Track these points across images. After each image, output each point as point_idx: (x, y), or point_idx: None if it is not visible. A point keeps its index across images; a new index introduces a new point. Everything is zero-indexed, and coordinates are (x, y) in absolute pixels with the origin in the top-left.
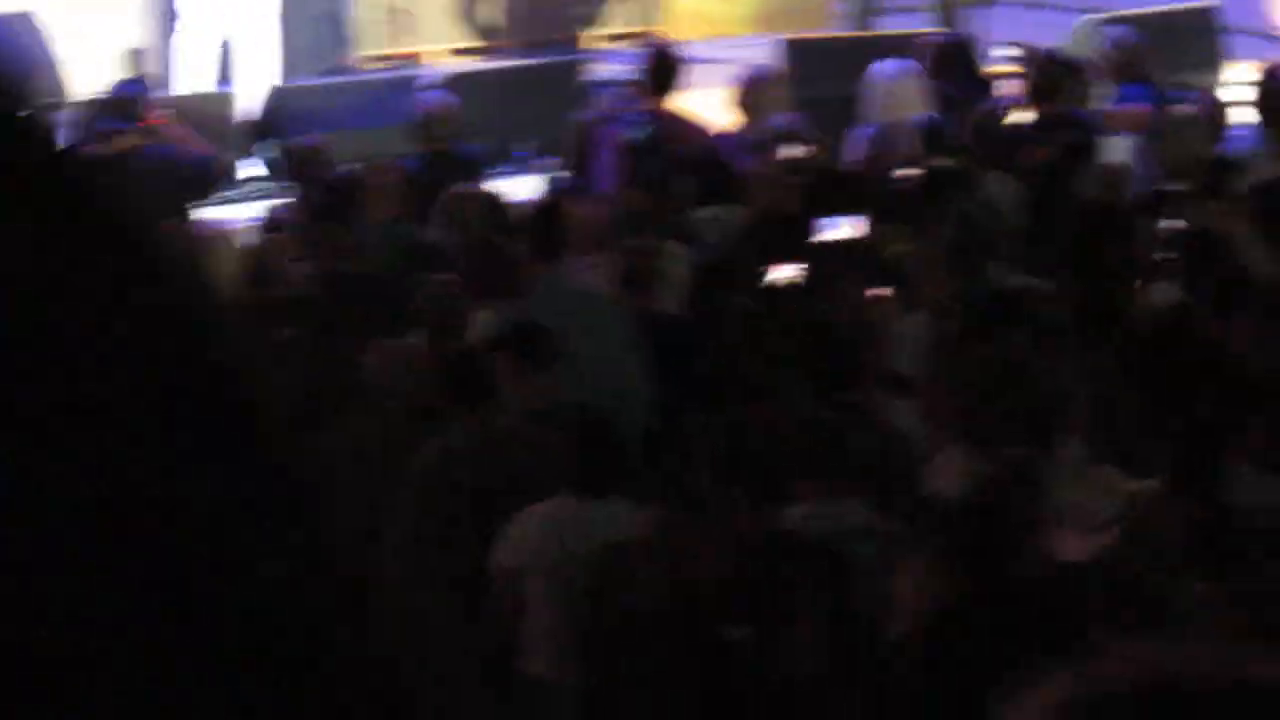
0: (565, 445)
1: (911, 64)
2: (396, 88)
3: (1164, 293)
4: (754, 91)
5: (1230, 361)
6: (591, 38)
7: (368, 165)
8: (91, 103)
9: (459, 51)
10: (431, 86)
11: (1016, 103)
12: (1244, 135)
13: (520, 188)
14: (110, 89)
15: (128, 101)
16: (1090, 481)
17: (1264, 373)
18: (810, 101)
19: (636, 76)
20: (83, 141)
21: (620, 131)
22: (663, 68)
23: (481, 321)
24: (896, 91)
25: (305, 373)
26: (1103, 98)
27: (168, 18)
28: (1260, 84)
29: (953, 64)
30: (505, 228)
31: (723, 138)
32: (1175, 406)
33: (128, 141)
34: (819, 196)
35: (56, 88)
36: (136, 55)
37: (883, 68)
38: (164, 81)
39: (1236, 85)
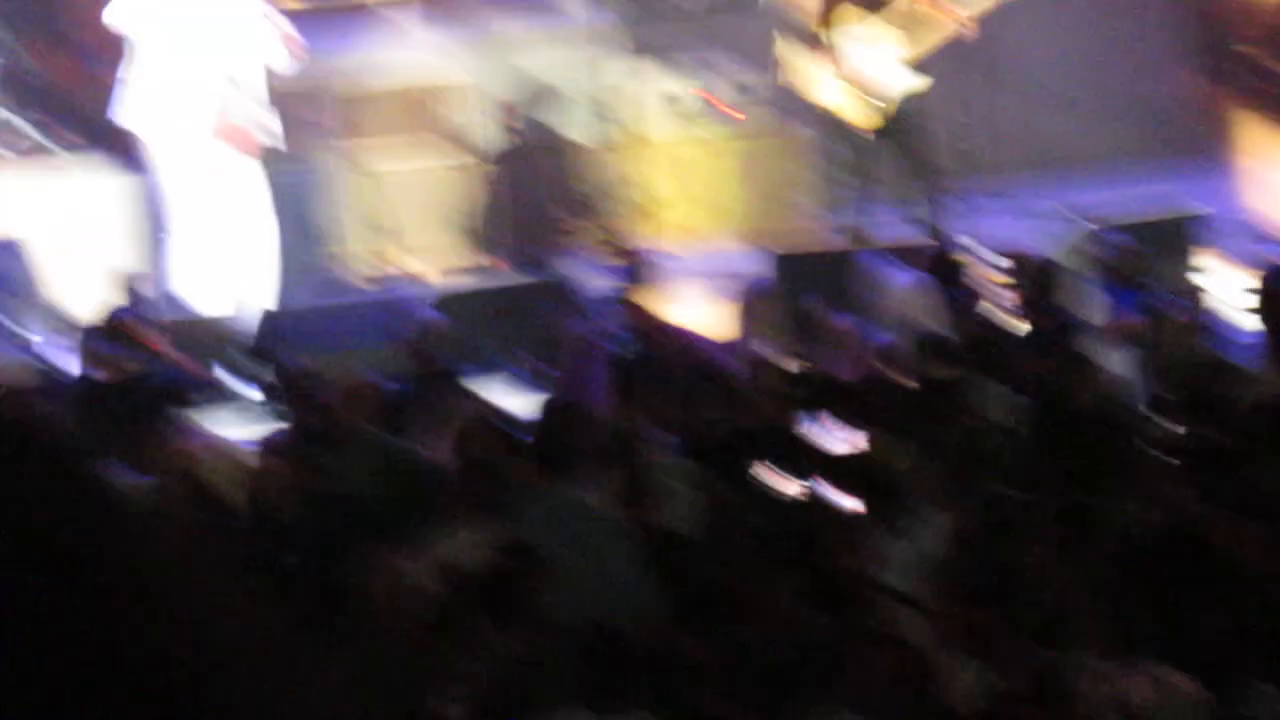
0: (577, 658)
1: (924, 275)
2: (388, 308)
3: (1170, 500)
4: (748, 304)
5: (1242, 568)
6: (580, 250)
7: (342, 380)
8: (87, 329)
9: (449, 271)
10: (421, 305)
11: (1013, 312)
12: (1240, 340)
13: (514, 403)
14: (105, 313)
15: (122, 326)
16: (1106, 685)
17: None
18: (798, 312)
19: (623, 288)
20: (81, 367)
21: (609, 344)
22: (648, 279)
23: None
24: (908, 302)
25: (305, 599)
26: (1098, 305)
27: (158, 236)
28: (1260, 290)
29: (949, 273)
30: (502, 446)
31: (713, 347)
32: (1189, 614)
33: (124, 365)
34: (816, 407)
35: (46, 314)
36: (129, 278)
37: (896, 277)
38: (157, 303)
39: (1229, 290)
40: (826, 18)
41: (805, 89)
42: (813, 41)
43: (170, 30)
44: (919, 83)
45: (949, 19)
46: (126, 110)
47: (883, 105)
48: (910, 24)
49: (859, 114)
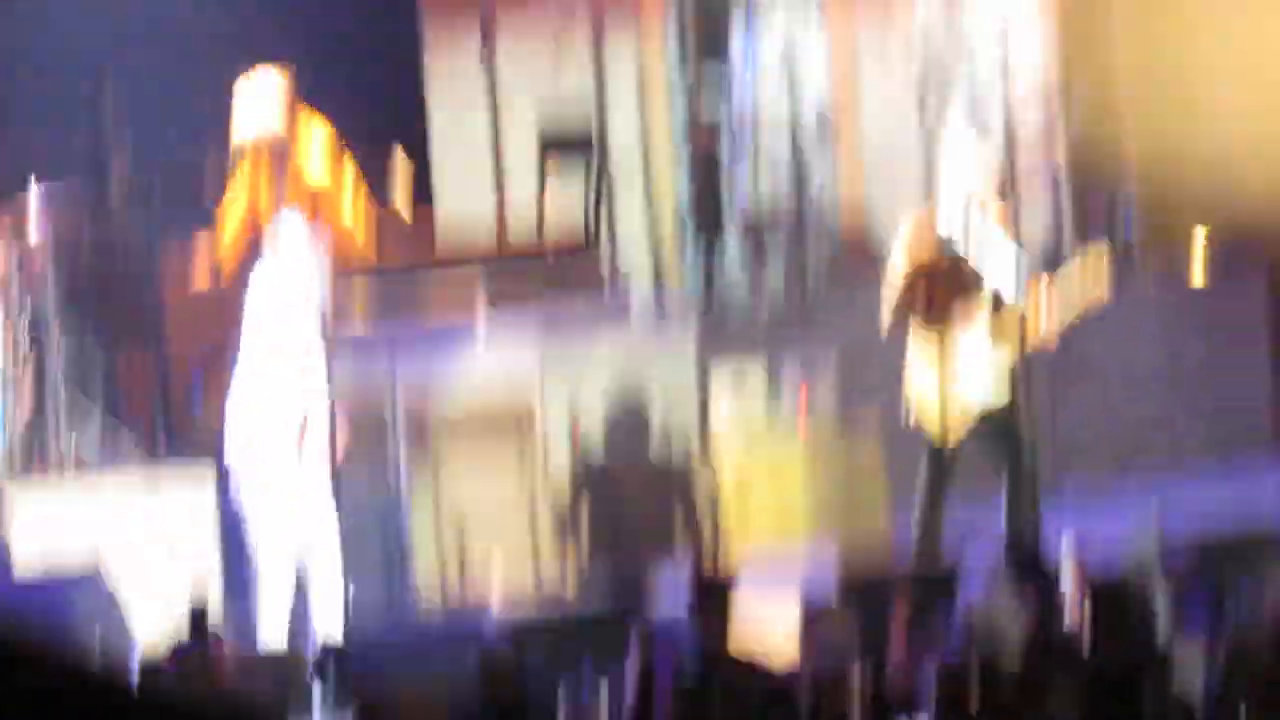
0: None
1: (1009, 591)
2: (462, 638)
3: None
4: (818, 622)
5: None
6: (656, 570)
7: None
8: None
9: (524, 600)
10: (490, 634)
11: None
12: None
13: None
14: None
15: (189, 659)
16: None
17: None
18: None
19: (692, 614)
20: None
21: (676, 669)
22: (718, 603)
23: None
24: (993, 623)
25: None
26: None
27: (234, 562)
28: None
29: (1028, 591)
30: None
31: (784, 669)
32: None
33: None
34: None
35: (126, 638)
36: (197, 609)
37: (981, 596)
38: (228, 633)
39: None
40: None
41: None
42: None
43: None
44: (1004, 397)
45: (1042, 333)
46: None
47: (982, 412)
48: (1002, 334)
49: (943, 425)
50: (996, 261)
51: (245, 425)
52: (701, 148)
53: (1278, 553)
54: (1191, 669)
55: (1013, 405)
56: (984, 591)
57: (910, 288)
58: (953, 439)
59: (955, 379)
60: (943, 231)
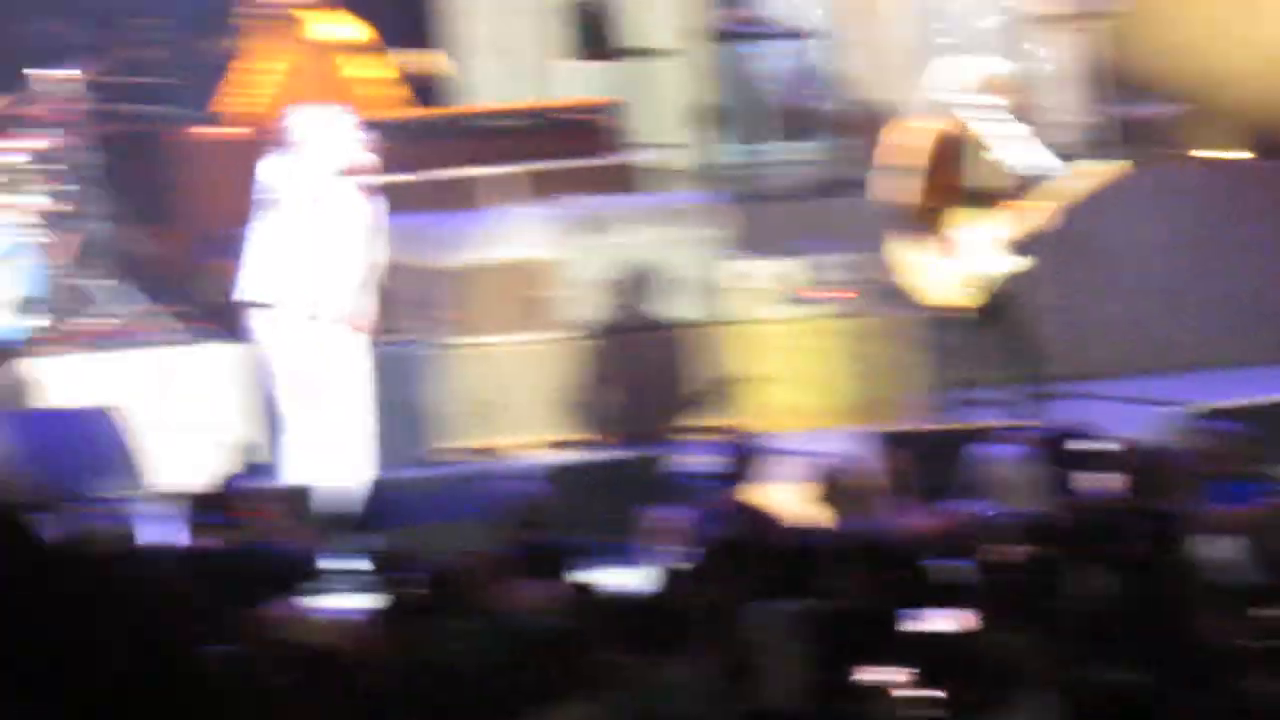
0: None
1: (1029, 450)
2: (482, 481)
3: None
4: (834, 484)
5: None
6: (682, 431)
7: (463, 555)
8: (198, 496)
9: (549, 445)
10: (522, 478)
11: (1120, 496)
12: None
13: (615, 580)
14: (217, 482)
15: (234, 495)
16: None
17: None
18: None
19: (720, 470)
20: (190, 535)
21: (703, 526)
22: (744, 461)
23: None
24: (1013, 477)
25: None
26: (1208, 494)
27: (269, 409)
28: None
29: (1054, 456)
30: (600, 620)
31: (808, 532)
32: None
33: (234, 535)
34: (912, 591)
35: (133, 481)
36: (241, 449)
37: (1000, 451)
38: (268, 474)
39: None
40: (930, 209)
41: (909, 273)
42: (917, 228)
43: (300, 206)
44: (1023, 263)
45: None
46: (247, 285)
47: (987, 287)
48: (1013, 212)
49: (963, 296)
50: (1007, 145)
51: (274, 285)
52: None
53: None
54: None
55: (1014, 287)
56: (1012, 459)
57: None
58: (975, 308)
59: (978, 248)
60: (948, 120)
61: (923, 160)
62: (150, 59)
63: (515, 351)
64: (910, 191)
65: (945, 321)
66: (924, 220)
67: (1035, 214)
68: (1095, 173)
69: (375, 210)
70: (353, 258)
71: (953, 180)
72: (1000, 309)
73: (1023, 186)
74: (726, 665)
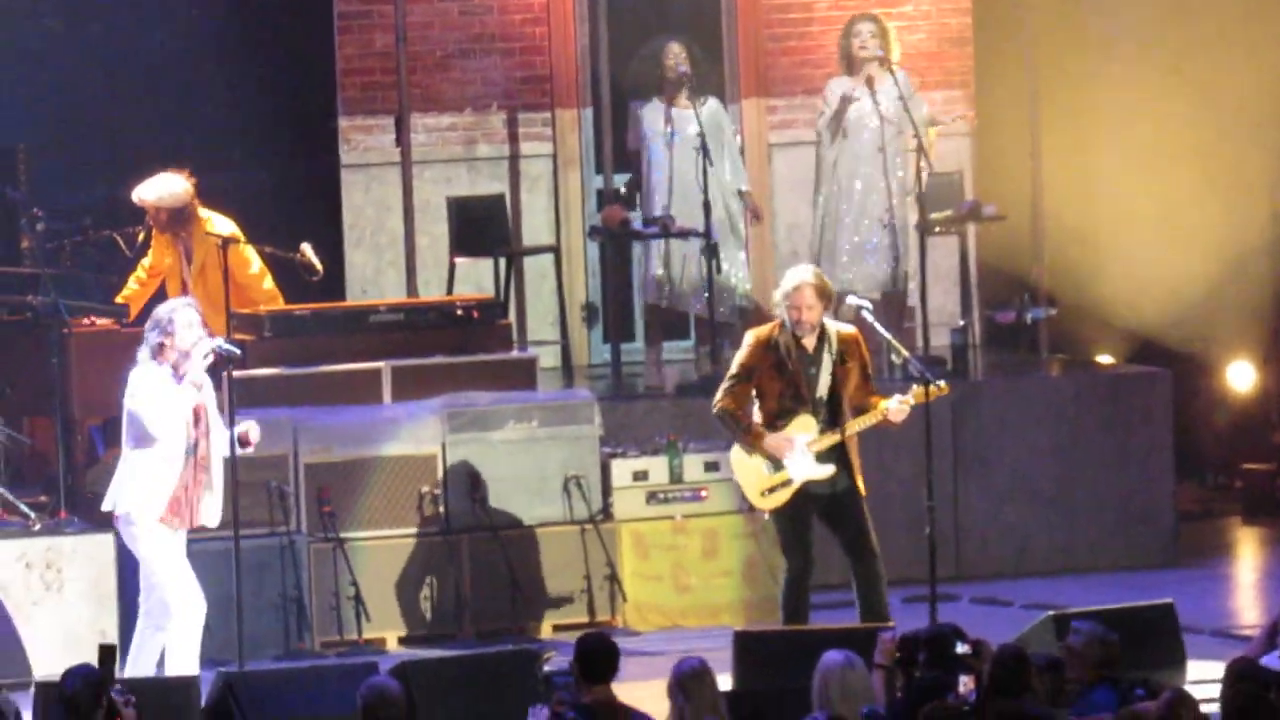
0: None
1: (856, 656)
2: (351, 674)
3: None
4: (676, 683)
5: None
6: (551, 627)
7: None
8: (48, 688)
9: (414, 639)
10: (375, 673)
11: (974, 699)
12: None
13: None
14: (65, 677)
15: (81, 694)
16: None
17: None
18: (753, 694)
19: (573, 667)
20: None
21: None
22: (587, 657)
23: None
24: (844, 681)
25: None
26: (1067, 698)
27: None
28: (1224, 679)
29: (911, 657)
30: None
31: None
32: None
33: None
34: None
35: (20, 668)
36: (107, 651)
37: (832, 658)
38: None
39: (1197, 684)
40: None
41: (738, 475)
42: (736, 431)
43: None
44: (828, 470)
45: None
46: (117, 494)
47: (799, 488)
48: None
49: (770, 500)
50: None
51: (148, 482)
52: (613, 237)
53: (1159, 631)
54: None
55: (850, 486)
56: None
57: (746, 387)
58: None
59: (788, 459)
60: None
61: (740, 364)
62: (52, 247)
63: (394, 545)
64: (730, 393)
65: (781, 525)
66: (742, 424)
67: (880, 416)
68: (934, 392)
69: (229, 406)
70: (215, 455)
71: (774, 385)
72: (833, 508)
73: (861, 388)
74: None
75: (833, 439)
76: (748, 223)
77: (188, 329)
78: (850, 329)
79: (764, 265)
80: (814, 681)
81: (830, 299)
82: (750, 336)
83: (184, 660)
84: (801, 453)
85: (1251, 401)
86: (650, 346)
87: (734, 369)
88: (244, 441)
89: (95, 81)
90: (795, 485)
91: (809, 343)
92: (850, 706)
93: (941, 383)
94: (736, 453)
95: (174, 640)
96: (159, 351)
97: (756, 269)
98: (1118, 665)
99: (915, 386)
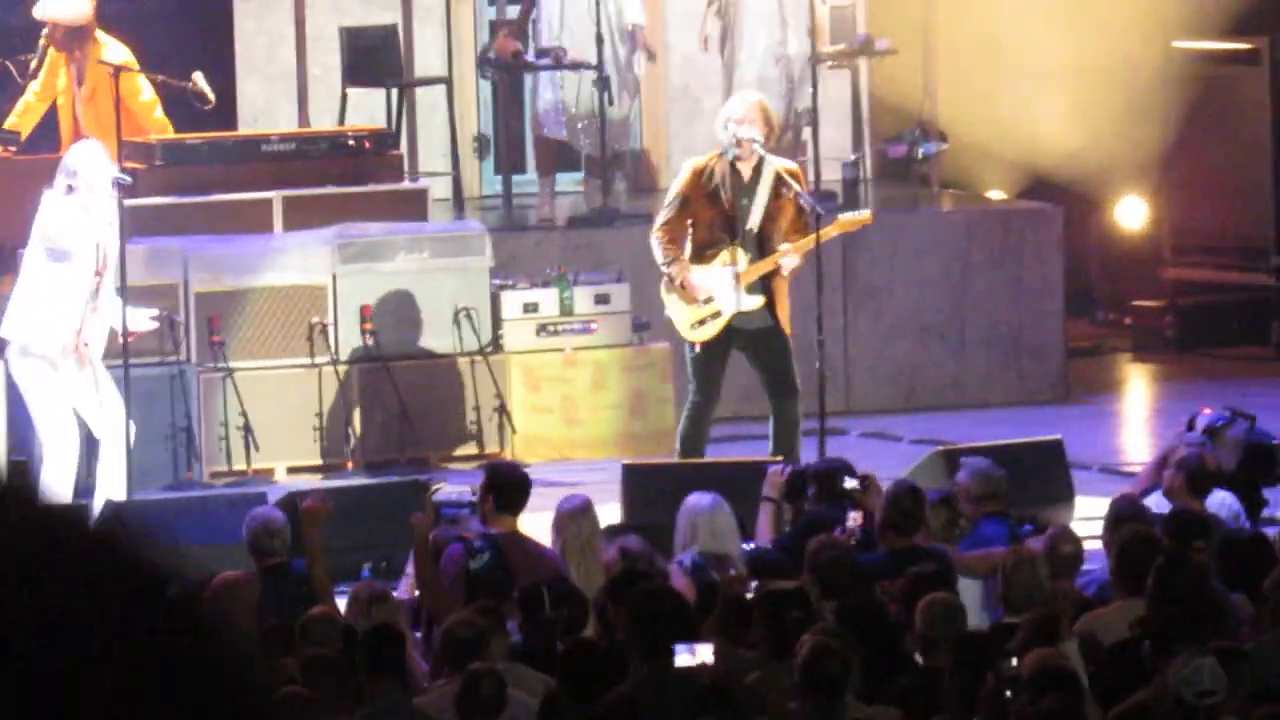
0: None
1: (720, 498)
2: (239, 504)
3: None
4: (563, 520)
5: None
6: (439, 459)
7: (218, 577)
8: None
9: (303, 469)
10: (263, 503)
11: (861, 533)
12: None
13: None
14: None
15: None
16: None
17: None
18: (644, 527)
19: (478, 498)
20: None
21: (460, 556)
22: (504, 488)
23: None
24: (713, 524)
25: None
26: (960, 532)
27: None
28: (1106, 519)
29: (800, 491)
30: (349, 644)
31: (555, 559)
32: None
33: None
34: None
35: None
36: (19, 465)
37: (698, 501)
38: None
39: (1085, 520)
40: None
41: (667, 306)
42: (668, 259)
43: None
44: (757, 301)
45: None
46: (9, 321)
47: (725, 323)
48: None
49: (701, 331)
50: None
51: (32, 306)
52: (505, 68)
53: (1047, 466)
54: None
55: (774, 324)
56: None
57: (682, 216)
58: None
59: (717, 294)
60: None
61: (676, 194)
62: None
63: (283, 375)
64: (665, 223)
65: (696, 356)
66: (675, 252)
67: (799, 254)
68: (859, 219)
69: (120, 232)
70: (104, 282)
71: (706, 214)
72: (752, 340)
73: (794, 224)
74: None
75: (762, 269)
76: (638, 61)
77: (90, 163)
78: (791, 164)
79: (657, 103)
80: (679, 522)
81: (773, 129)
82: (687, 165)
83: (60, 493)
84: (731, 285)
85: (1141, 238)
86: (542, 178)
87: (669, 198)
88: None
89: None
90: (725, 318)
91: (745, 173)
92: (719, 548)
93: (866, 211)
94: (666, 284)
95: (47, 474)
96: (68, 192)
97: (650, 106)
98: (1004, 501)
99: (843, 215)
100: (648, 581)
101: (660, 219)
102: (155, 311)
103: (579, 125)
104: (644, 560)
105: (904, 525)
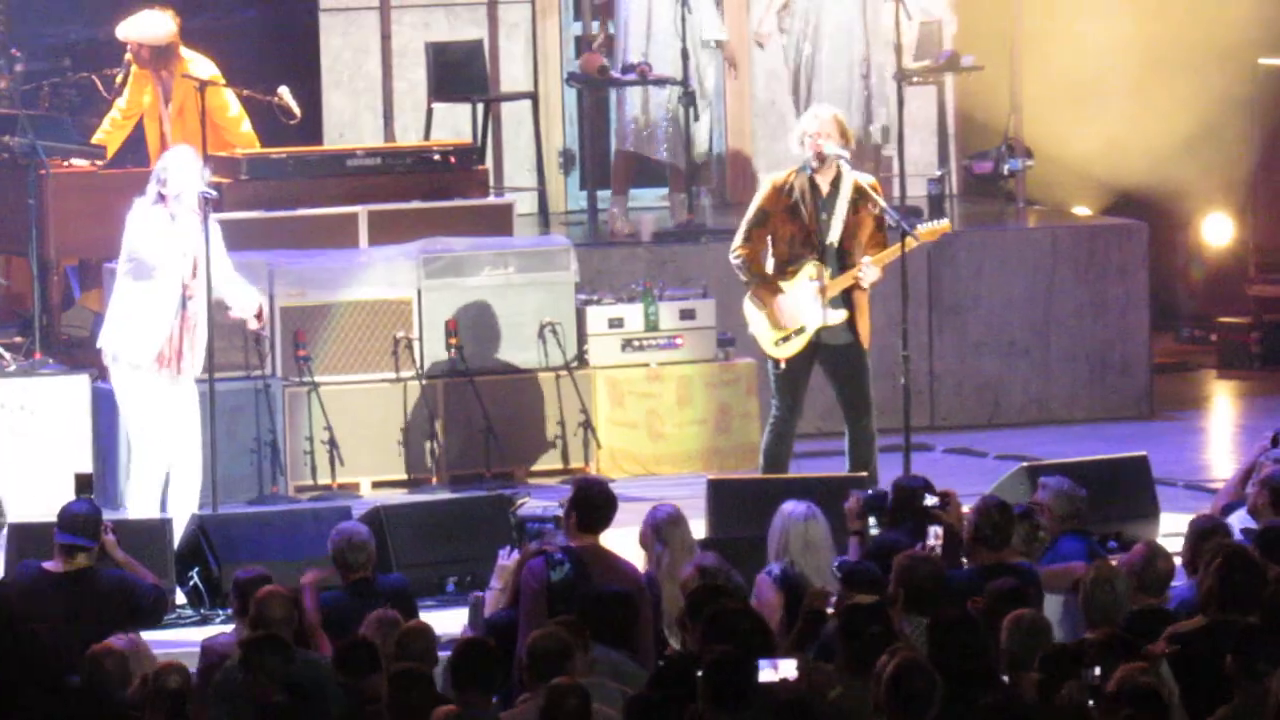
0: None
1: (817, 509)
2: (324, 518)
3: None
4: (653, 531)
5: None
6: (524, 473)
7: (265, 593)
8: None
9: (387, 484)
10: (348, 517)
11: (949, 549)
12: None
13: (452, 622)
14: (64, 507)
15: (87, 520)
16: None
17: None
18: (729, 541)
19: (562, 513)
20: (41, 557)
21: (540, 569)
22: (588, 504)
23: None
24: (807, 534)
25: None
26: (1042, 549)
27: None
28: (1187, 537)
29: (882, 508)
30: (429, 660)
31: (640, 573)
32: None
33: (84, 561)
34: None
35: None
36: (83, 477)
37: (793, 510)
38: (108, 504)
39: (1169, 536)
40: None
41: (749, 322)
42: (752, 277)
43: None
44: (840, 315)
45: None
46: (106, 334)
47: (813, 337)
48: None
49: (784, 349)
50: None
51: (124, 317)
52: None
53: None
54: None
55: (854, 340)
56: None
57: (761, 232)
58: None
59: (801, 310)
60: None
61: (756, 208)
62: (30, 88)
63: (368, 390)
64: (745, 241)
65: (780, 372)
66: (757, 270)
67: (878, 266)
68: (938, 229)
69: (215, 247)
70: (198, 298)
71: (786, 229)
72: (838, 361)
73: (873, 238)
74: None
75: (843, 283)
76: (725, 75)
77: (180, 170)
78: (868, 177)
79: (742, 117)
80: (772, 531)
81: (849, 142)
82: (766, 181)
83: (141, 506)
84: (814, 300)
85: (1227, 254)
86: (614, 195)
87: (750, 214)
88: (258, 316)
89: None
90: (809, 334)
91: (824, 187)
92: (811, 559)
93: (944, 220)
94: (750, 300)
95: (130, 487)
96: (159, 200)
97: (734, 120)
98: (1084, 520)
99: (920, 225)
100: (726, 599)
101: (740, 236)
102: (261, 306)
103: (664, 140)
104: (722, 576)
105: (993, 540)
